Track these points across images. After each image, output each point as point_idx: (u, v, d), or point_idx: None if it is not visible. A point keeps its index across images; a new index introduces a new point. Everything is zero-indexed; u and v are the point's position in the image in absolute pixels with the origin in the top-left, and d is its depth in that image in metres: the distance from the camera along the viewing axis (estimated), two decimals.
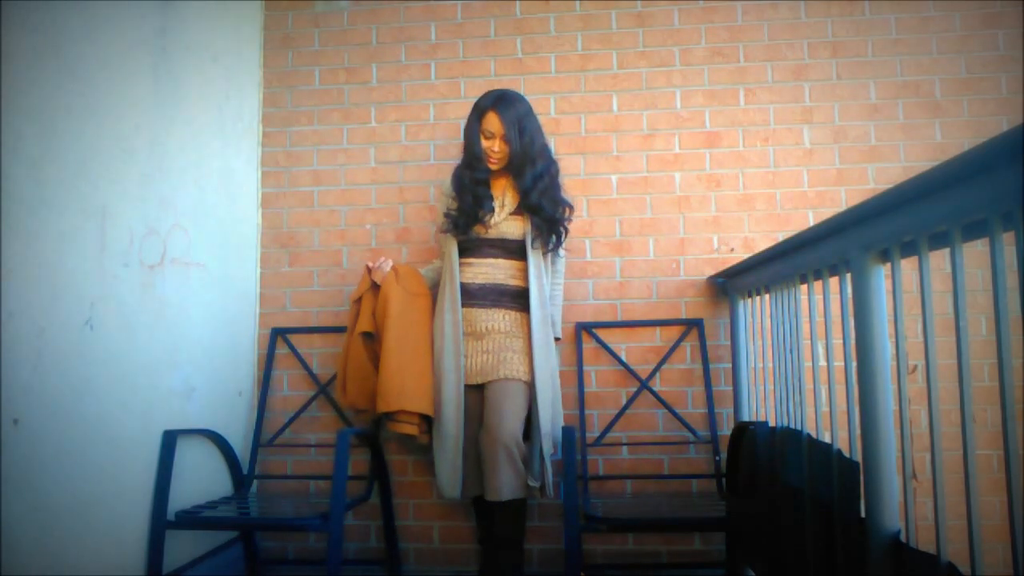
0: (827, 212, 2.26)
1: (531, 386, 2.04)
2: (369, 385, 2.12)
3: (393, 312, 2.08)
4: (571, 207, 2.16)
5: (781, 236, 2.29)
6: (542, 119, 2.49)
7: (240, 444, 2.34)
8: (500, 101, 2.06)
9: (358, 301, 2.17)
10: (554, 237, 2.11)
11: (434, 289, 2.21)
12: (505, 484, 1.92)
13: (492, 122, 2.05)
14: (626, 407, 2.34)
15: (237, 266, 2.39)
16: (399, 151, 2.53)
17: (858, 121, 2.39)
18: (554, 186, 2.13)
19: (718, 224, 2.39)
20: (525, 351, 2.07)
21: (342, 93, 2.56)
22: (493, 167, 2.10)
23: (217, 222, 2.25)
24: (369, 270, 2.17)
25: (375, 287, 2.15)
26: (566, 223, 2.14)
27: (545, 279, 2.13)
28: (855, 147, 2.38)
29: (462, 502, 2.21)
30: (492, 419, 1.96)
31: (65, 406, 1.56)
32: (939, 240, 1.03)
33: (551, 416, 2.05)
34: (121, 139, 1.78)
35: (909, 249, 1.09)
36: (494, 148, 2.07)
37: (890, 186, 1.03)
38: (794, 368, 1.62)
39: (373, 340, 2.15)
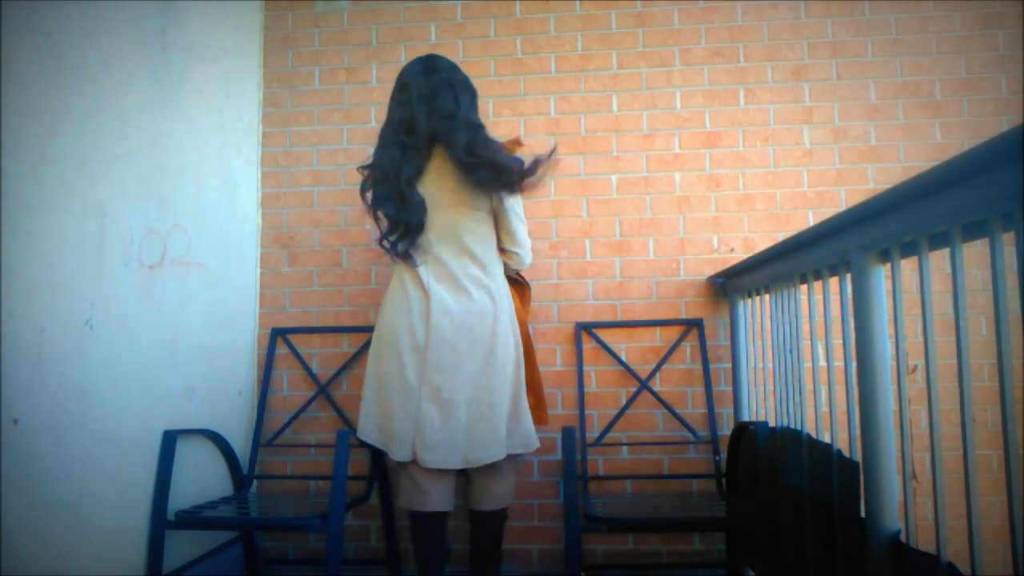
0: (827, 212, 2.26)
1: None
2: None
3: None
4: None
5: (781, 236, 2.29)
6: (542, 119, 2.49)
7: (240, 444, 2.34)
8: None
9: None
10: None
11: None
12: None
13: None
14: (626, 407, 2.34)
15: (237, 266, 2.38)
16: None
17: (858, 121, 2.39)
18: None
19: (718, 224, 2.39)
20: None
21: (342, 93, 2.56)
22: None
23: (217, 222, 2.25)
24: None
25: None
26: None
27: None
28: (855, 147, 2.38)
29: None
30: None
31: (65, 406, 1.56)
32: (939, 240, 1.02)
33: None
34: (121, 139, 1.78)
35: (909, 249, 1.09)
36: None
37: (890, 186, 1.03)
38: (794, 368, 1.62)
39: None
